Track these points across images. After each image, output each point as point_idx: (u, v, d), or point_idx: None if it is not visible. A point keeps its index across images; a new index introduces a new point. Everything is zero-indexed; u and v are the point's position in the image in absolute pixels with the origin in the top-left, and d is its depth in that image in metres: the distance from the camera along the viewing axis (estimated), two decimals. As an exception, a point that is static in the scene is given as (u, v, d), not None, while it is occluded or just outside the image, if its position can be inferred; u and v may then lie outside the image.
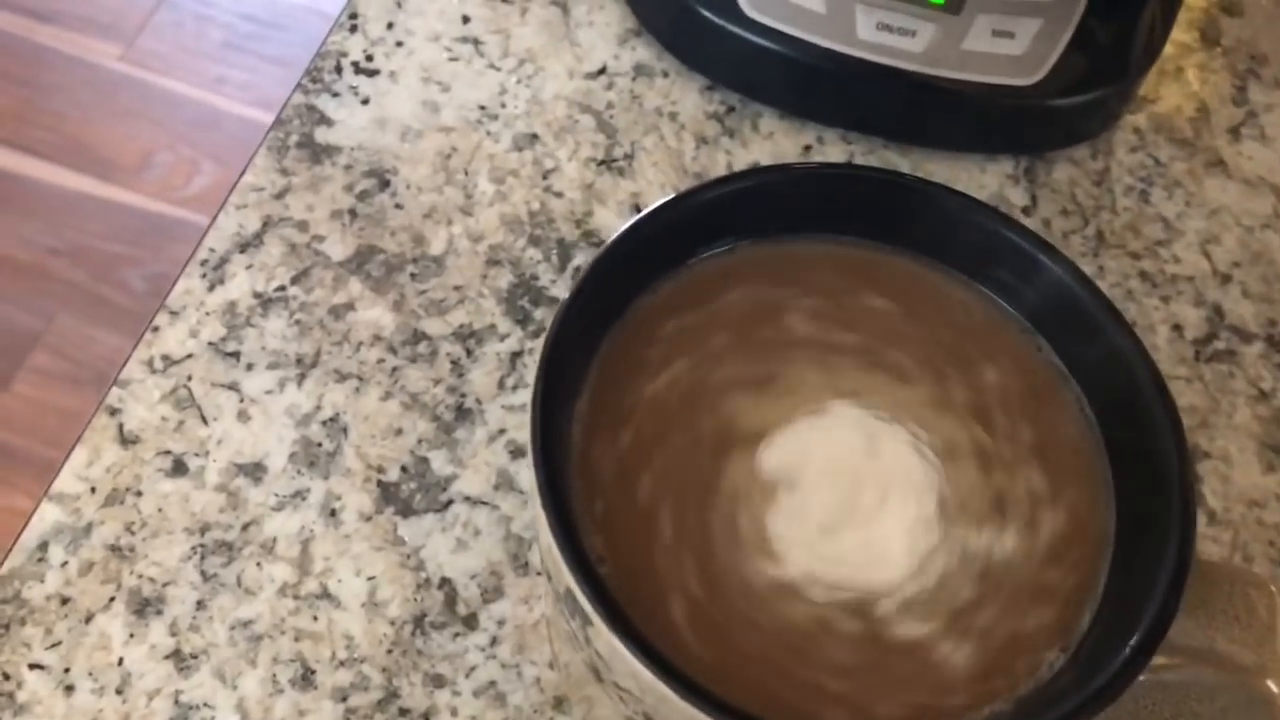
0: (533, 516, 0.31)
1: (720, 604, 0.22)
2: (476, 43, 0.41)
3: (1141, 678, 0.28)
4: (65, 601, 0.31)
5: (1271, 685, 0.23)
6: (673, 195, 0.25)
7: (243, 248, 0.37)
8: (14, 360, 1.24)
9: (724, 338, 0.25)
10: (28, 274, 1.30)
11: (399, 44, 0.41)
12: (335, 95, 0.40)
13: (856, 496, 0.23)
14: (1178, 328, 0.40)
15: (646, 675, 0.20)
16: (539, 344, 0.36)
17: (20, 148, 1.39)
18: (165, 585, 0.32)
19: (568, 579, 0.21)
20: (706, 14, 0.40)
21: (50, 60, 1.46)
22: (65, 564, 0.32)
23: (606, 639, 0.21)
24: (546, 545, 0.22)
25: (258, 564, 0.32)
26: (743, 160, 0.40)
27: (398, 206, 0.38)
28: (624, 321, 0.25)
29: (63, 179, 1.38)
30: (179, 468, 0.33)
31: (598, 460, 0.24)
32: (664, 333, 0.25)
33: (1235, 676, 0.24)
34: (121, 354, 0.33)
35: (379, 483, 0.34)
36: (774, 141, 0.41)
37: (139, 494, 0.33)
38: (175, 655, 0.31)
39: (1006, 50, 0.39)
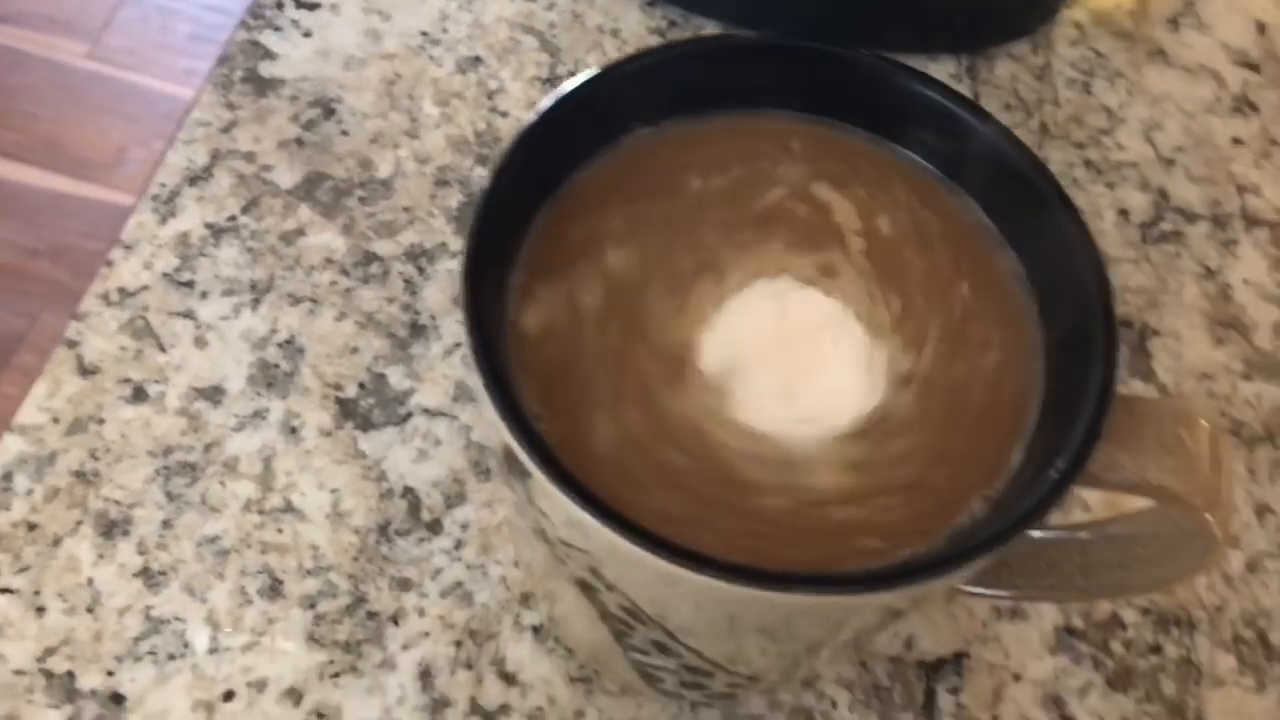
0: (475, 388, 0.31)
1: (656, 452, 0.23)
2: (415, -28, 0.42)
3: (1086, 535, 0.29)
4: (33, 528, 0.32)
5: (1204, 512, 0.24)
6: (599, 68, 0.25)
7: (192, 181, 0.37)
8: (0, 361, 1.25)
9: (654, 208, 0.26)
10: (9, 275, 1.29)
11: (338, -23, 0.41)
12: (278, 29, 0.40)
13: (786, 347, 0.24)
14: (1124, 212, 0.40)
15: (587, 520, 0.21)
16: (491, 259, 0.37)
17: (-7, 150, 1.38)
18: (131, 507, 0.32)
19: (505, 435, 0.22)
20: (640, -72, 0.40)
21: (16, 61, 1.45)
22: (30, 492, 0.32)
23: (544, 488, 0.21)
24: (487, 410, 0.22)
25: (221, 482, 0.33)
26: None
27: (344, 133, 0.38)
28: (557, 196, 0.26)
29: (38, 179, 1.37)
30: (139, 394, 0.34)
31: (534, 328, 0.24)
32: (597, 206, 0.25)
33: (1170, 507, 0.25)
34: None
35: (337, 400, 0.34)
36: (715, 52, 0.41)
37: (101, 421, 0.33)
38: (144, 573, 0.32)
39: (938, -55, 0.39)
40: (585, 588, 0.25)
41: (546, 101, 0.25)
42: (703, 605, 0.23)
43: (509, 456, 0.22)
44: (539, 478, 0.21)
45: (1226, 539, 0.24)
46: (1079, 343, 0.24)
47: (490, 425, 0.23)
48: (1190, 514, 0.24)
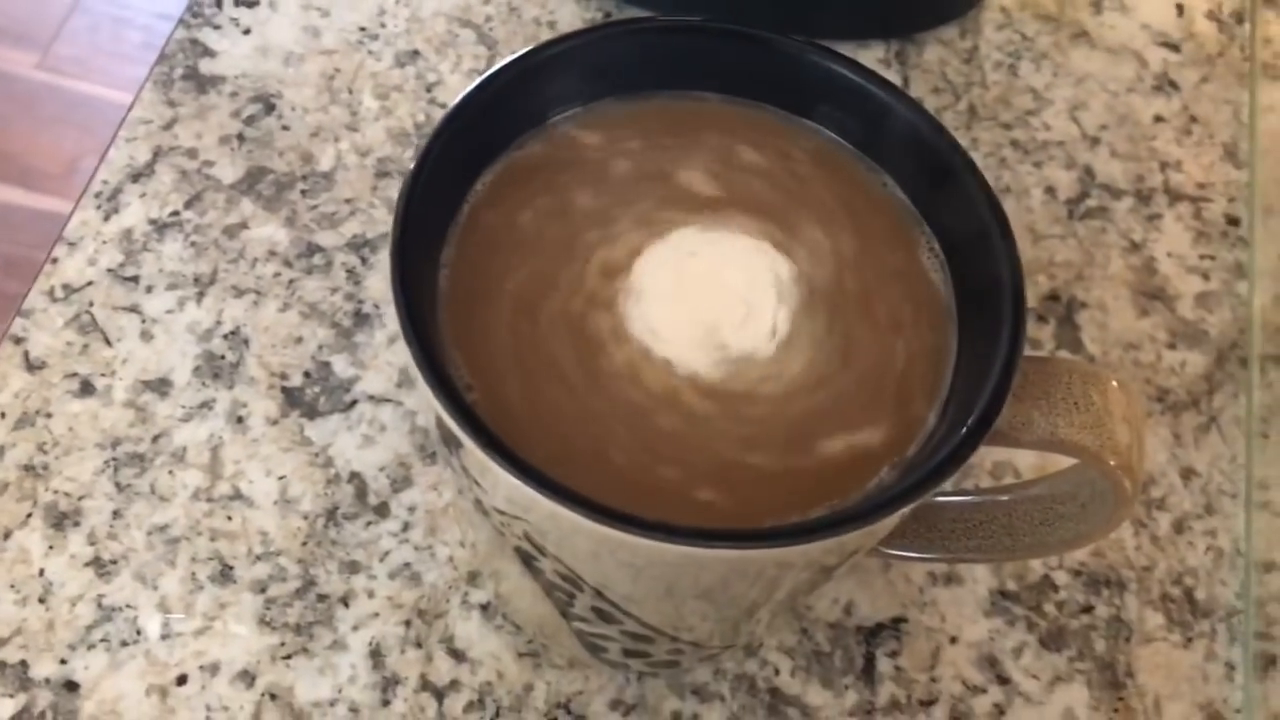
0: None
1: (583, 415, 0.24)
2: (353, -32, 0.42)
3: (1007, 497, 0.30)
4: (-18, 521, 0.32)
5: (1112, 464, 0.25)
6: (525, 50, 0.26)
7: (135, 178, 0.38)
8: (-46, 375, 1.23)
9: (581, 185, 0.26)
10: (-40, 288, 1.28)
11: (277, -25, 0.42)
12: (217, 28, 0.41)
13: (712, 298, 0.25)
14: (1051, 190, 0.42)
15: (518, 486, 0.22)
16: (433, 248, 0.37)
17: (-58, 164, 1.37)
18: (81, 499, 0.33)
19: (436, 406, 0.22)
20: (573, -79, 0.41)
21: (-36, 74, 1.44)
22: (-21, 486, 0.33)
23: (477, 458, 0.22)
24: (420, 384, 0.23)
25: (170, 472, 0.33)
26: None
27: (285, 128, 0.39)
28: (486, 174, 0.26)
29: (-12, 191, 1.36)
30: (86, 388, 0.34)
31: (462, 302, 0.25)
32: (523, 183, 0.26)
33: (1083, 464, 0.26)
34: None
35: (283, 389, 0.35)
36: (651, 42, 0.42)
37: (49, 415, 0.34)
38: (95, 563, 0.32)
39: (863, -67, 0.40)
40: (525, 558, 0.26)
41: (474, 83, 0.25)
42: (636, 568, 0.24)
43: (442, 428, 0.23)
44: (470, 447, 0.22)
45: (1136, 492, 0.25)
46: (989, 305, 0.24)
47: (424, 400, 0.24)
48: (1101, 468, 0.25)
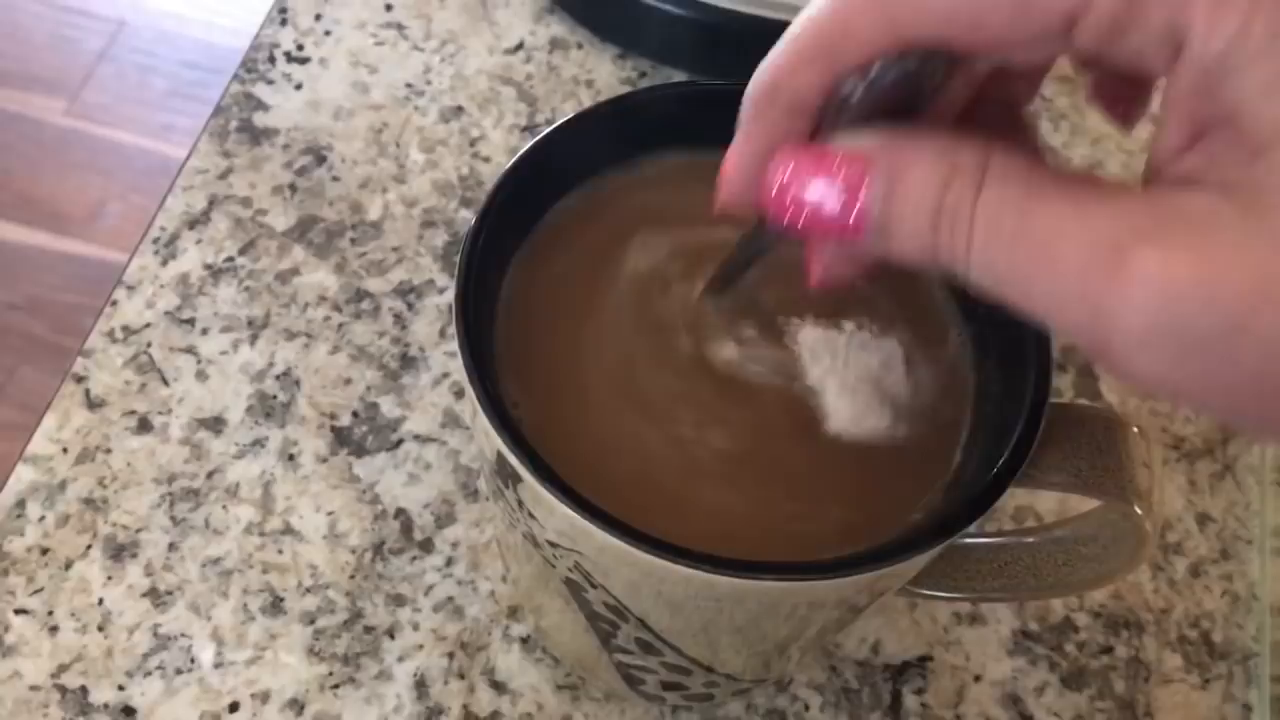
0: (470, 407, 0.33)
1: (633, 457, 0.25)
2: (400, 27, 0.44)
3: (1033, 539, 0.31)
4: (45, 552, 0.34)
5: (1134, 507, 0.26)
6: (580, 111, 0.28)
7: (191, 224, 0.39)
8: (-23, 415, 1.25)
9: (633, 235, 0.28)
10: (-13, 329, 1.30)
11: (327, 33, 0.44)
12: (270, 82, 0.42)
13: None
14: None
15: (573, 518, 0.23)
16: (475, 294, 0.39)
17: (-29, 208, 1.40)
18: (138, 531, 0.34)
19: (497, 443, 0.24)
20: (612, -15, 0.43)
21: (-5, 119, 1.47)
22: (43, 518, 0.34)
23: (534, 491, 0.23)
24: (477, 420, 0.24)
25: (223, 507, 0.35)
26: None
27: (335, 179, 0.41)
28: (538, 229, 0.28)
29: (16, 235, 1.39)
30: (144, 425, 0.36)
31: (520, 342, 0.26)
32: (578, 231, 0.28)
33: (1104, 506, 0.27)
34: None
35: (332, 428, 0.36)
36: (684, 99, 0.44)
37: (108, 451, 0.35)
38: (151, 593, 0.33)
39: (889, -2, 0.42)
40: (574, 589, 0.27)
41: (544, 131, 0.27)
42: (682, 599, 0.25)
43: (500, 464, 0.25)
44: (529, 481, 0.23)
45: (1156, 533, 0.26)
46: (1014, 355, 0.26)
47: (482, 436, 0.25)
48: (1123, 511, 0.26)
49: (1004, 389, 0.26)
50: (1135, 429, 0.27)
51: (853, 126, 0.19)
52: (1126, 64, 0.18)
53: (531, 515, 0.25)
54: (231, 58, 1.52)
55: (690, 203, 0.29)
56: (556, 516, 0.24)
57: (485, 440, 0.25)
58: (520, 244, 0.28)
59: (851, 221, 0.18)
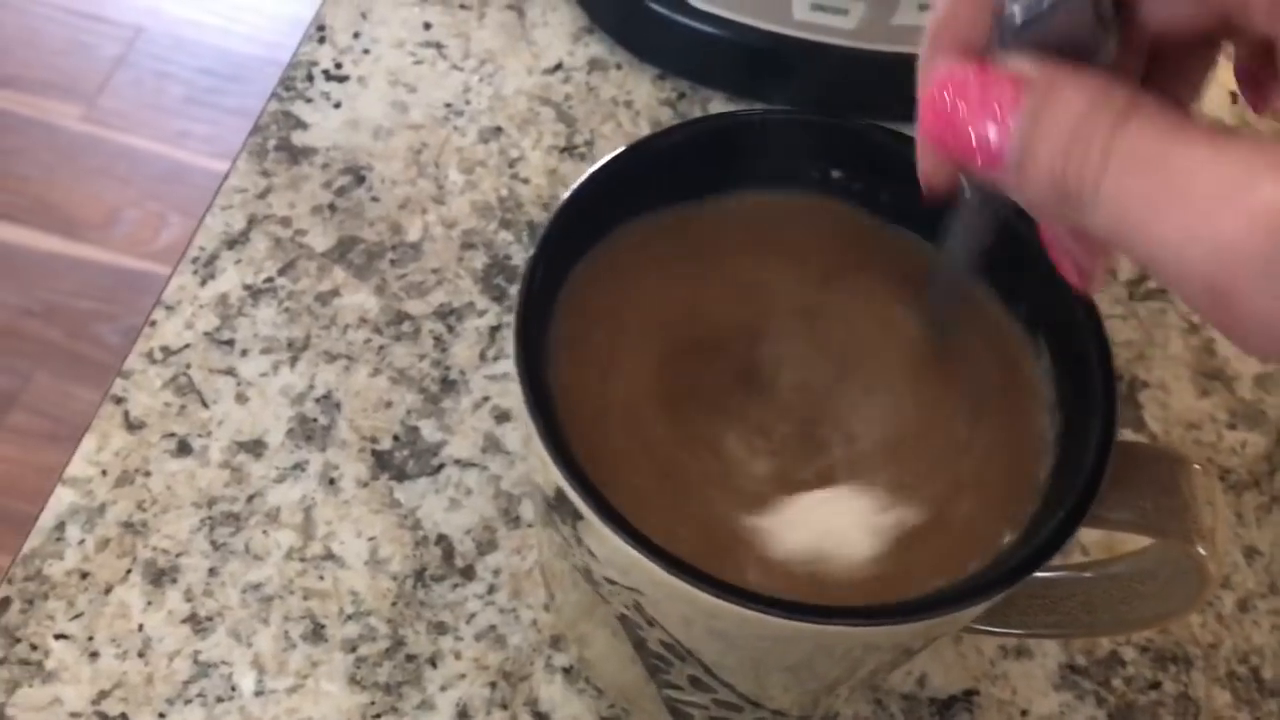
0: (524, 436, 0.33)
1: (687, 500, 0.25)
2: (439, 46, 0.44)
3: (1089, 574, 0.31)
4: (85, 576, 0.33)
5: (1197, 548, 0.26)
6: (643, 138, 0.28)
7: (230, 244, 0.39)
8: (-8, 420, 1.25)
9: (691, 268, 0.28)
10: (2, 335, 1.30)
11: (365, 51, 0.44)
12: (309, 101, 0.42)
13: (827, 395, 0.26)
14: (1112, 272, 0.43)
15: (637, 559, 0.23)
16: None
17: (-13, 212, 1.40)
18: (178, 556, 0.34)
19: (558, 479, 0.23)
20: (654, 6, 0.42)
21: (11, 124, 1.47)
22: (82, 541, 0.34)
23: (595, 530, 0.23)
24: (534, 452, 0.24)
25: (264, 532, 0.34)
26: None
27: (374, 199, 0.40)
28: (595, 252, 0.28)
29: (31, 240, 1.39)
30: (184, 448, 0.36)
31: (575, 377, 0.26)
32: (636, 263, 0.27)
33: (1165, 544, 0.27)
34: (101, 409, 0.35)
35: (373, 452, 0.36)
36: (724, 121, 0.44)
37: (148, 474, 0.35)
38: (192, 619, 0.33)
39: (933, 22, 0.42)
40: (627, 624, 0.26)
41: (598, 163, 0.27)
42: (735, 638, 0.25)
43: (559, 499, 0.24)
44: (591, 519, 0.23)
45: (1219, 574, 0.26)
46: (1083, 396, 0.26)
47: (539, 470, 0.25)
48: (1186, 551, 0.26)
49: (1069, 428, 0.26)
50: (1197, 466, 0.26)
51: (1016, 53, 0.19)
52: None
53: (590, 553, 0.25)
54: (247, 65, 1.53)
55: (748, 235, 0.29)
56: (619, 556, 0.23)
57: (543, 473, 0.25)
58: (576, 274, 0.27)
59: (997, 143, 0.18)
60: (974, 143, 0.19)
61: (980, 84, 0.19)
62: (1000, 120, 0.18)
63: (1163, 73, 0.21)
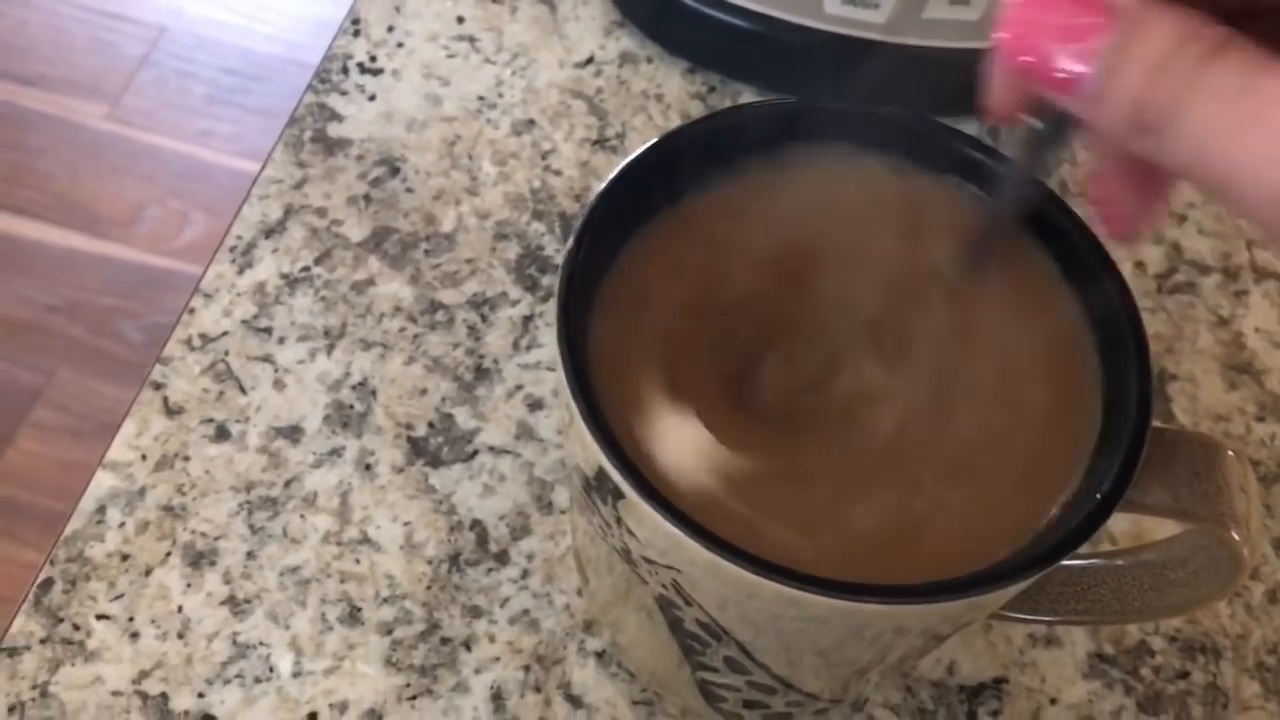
0: (562, 416, 0.33)
1: (725, 476, 0.25)
2: (472, 40, 0.44)
3: (1121, 561, 0.31)
4: (125, 558, 0.34)
5: (1231, 533, 0.26)
6: (697, 119, 0.28)
7: (267, 234, 0.39)
8: (16, 416, 1.26)
9: (734, 249, 0.28)
10: (26, 331, 1.32)
11: (399, 45, 0.44)
12: (344, 94, 0.43)
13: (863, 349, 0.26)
14: (1140, 264, 0.43)
15: (680, 538, 0.23)
16: (548, 308, 0.39)
17: (12, 209, 1.41)
18: (217, 539, 0.34)
19: (600, 459, 0.24)
20: (685, 0, 0.43)
21: (36, 123, 1.48)
22: (123, 524, 0.34)
23: (637, 509, 0.23)
24: (575, 434, 0.25)
25: (301, 516, 0.35)
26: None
27: (409, 190, 0.41)
28: (639, 233, 0.28)
29: (55, 237, 1.40)
30: (222, 433, 0.36)
31: (614, 356, 0.26)
32: (679, 246, 0.28)
33: (1198, 529, 0.27)
34: (123, 405, 0.36)
35: (408, 438, 0.36)
36: (754, 115, 0.44)
37: (187, 459, 0.35)
38: (230, 601, 0.34)
39: (964, 16, 0.42)
40: (664, 605, 0.27)
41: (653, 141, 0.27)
42: (774, 620, 0.25)
43: (600, 479, 0.25)
44: (633, 497, 0.23)
45: (1253, 560, 0.26)
46: (1117, 384, 0.26)
47: (578, 450, 0.25)
48: (1219, 536, 0.26)
49: (1105, 415, 0.26)
50: (1231, 452, 0.26)
51: None
52: None
53: (630, 532, 0.25)
54: (269, 64, 1.54)
55: (790, 216, 0.29)
56: (659, 534, 0.24)
57: (582, 454, 0.25)
58: (617, 258, 0.28)
59: (1080, 67, 0.19)
60: (1056, 66, 0.19)
61: (1069, 8, 0.19)
62: (1086, 45, 0.18)
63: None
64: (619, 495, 0.24)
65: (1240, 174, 0.17)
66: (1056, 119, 0.22)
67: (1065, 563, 0.32)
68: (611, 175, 0.27)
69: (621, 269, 0.28)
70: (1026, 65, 0.19)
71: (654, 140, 0.28)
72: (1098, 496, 0.24)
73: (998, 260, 0.27)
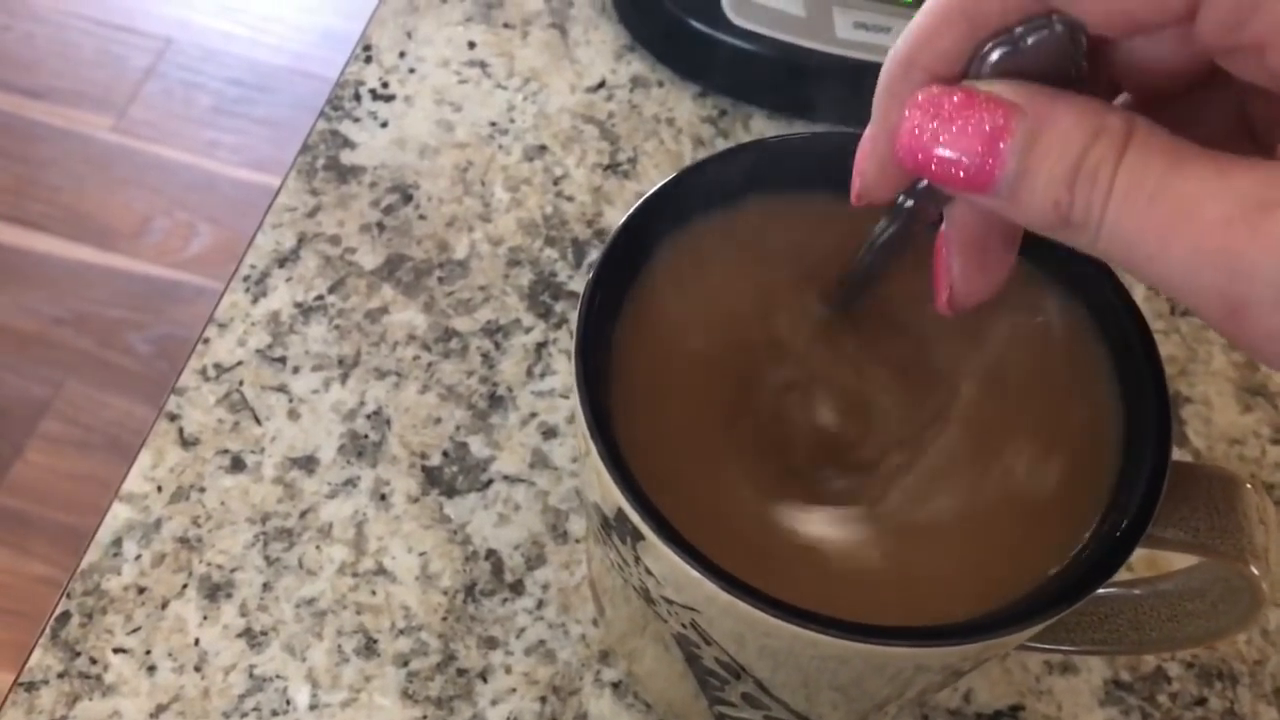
0: (579, 451, 0.33)
1: (745, 516, 0.25)
2: (483, 65, 0.45)
3: (1138, 591, 0.31)
4: (141, 590, 0.34)
5: (1250, 568, 0.26)
6: (717, 152, 0.28)
7: (281, 262, 0.40)
8: (25, 429, 1.26)
9: (752, 283, 0.28)
10: (34, 343, 1.32)
11: (411, 70, 0.44)
12: (356, 120, 0.43)
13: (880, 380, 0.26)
14: (1153, 288, 0.43)
15: (700, 581, 0.23)
16: (562, 335, 0.39)
17: (19, 221, 1.41)
18: (233, 571, 0.34)
19: (620, 500, 0.24)
20: (695, 24, 0.43)
21: (44, 135, 1.49)
22: (139, 557, 0.34)
23: (656, 550, 0.23)
24: (592, 470, 0.25)
25: (317, 547, 0.35)
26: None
27: (421, 217, 0.41)
28: (647, 278, 0.28)
29: (63, 249, 1.40)
30: (237, 464, 0.36)
31: (635, 396, 0.26)
32: (695, 279, 0.28)
33: (1217, 563, 0.27)
34: (132, 416, 0.36)
35: (423, 467, 0.36)
36: (765, 139, 0.44)
37: (202, 490, 0.36)
38: (247, 633, 0.34)
39: (974, 40, 0.42)
40: (682, 642, 0.27)
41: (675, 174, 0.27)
42: (793, 659, 0.25)
43: (619, 519, 0.25)
44: (653, 540, 0.23)
45: (1272, 594, 0.26)
46: (1135, 417, 0.26)
47: (595, 489, 0.25)
48: (1239, 570, 0.26)
49: (1122, 450, 0.26)
50: (1248, 485, 0.26)
51: (996, 78, 0.19)
52: (1246, 70, 0.18)
53: (649, 571, 0.25)
54: (275, 75, 1.54)
55: (812, 251, 0.29)
56: (678, 575, 0.24)
57: (600, 493, 0.25)
58: (634, 292, 0.28)
59: (986, 168, 0.19)
60: (961, 170, 0.19)
61: (967, 110, 0.19)
62: (990, 148, 0.18)
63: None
64: (639, 536, 0.24)
65: (1173, 278, 0.17)
66: (924, 196, 0.23)
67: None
68: (631, 210, 0.27)
69: (640, 305, 0.28)
70: (931, 170, 0.19)
71: (677, 172, 0.28)
72: (1117, 534, 0.24)
73: (1000, 297, 0.27)
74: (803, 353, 0.27)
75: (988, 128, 0.18)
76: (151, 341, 1.32)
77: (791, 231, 0.29)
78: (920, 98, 0.19)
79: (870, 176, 0.22)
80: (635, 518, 0.23)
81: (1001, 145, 0.18)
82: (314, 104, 0.44)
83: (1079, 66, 0.19)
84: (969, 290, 0.23)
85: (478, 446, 0.37)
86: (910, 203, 0.23)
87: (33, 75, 1.52)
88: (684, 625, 0.26)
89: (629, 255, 0.27)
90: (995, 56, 0.19)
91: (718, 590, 0.23)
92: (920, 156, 0.19)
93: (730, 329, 0.28)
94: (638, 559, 0.25)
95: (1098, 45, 0.20)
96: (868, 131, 0.22)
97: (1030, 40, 0.19)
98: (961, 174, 0.19)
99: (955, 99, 0.19)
